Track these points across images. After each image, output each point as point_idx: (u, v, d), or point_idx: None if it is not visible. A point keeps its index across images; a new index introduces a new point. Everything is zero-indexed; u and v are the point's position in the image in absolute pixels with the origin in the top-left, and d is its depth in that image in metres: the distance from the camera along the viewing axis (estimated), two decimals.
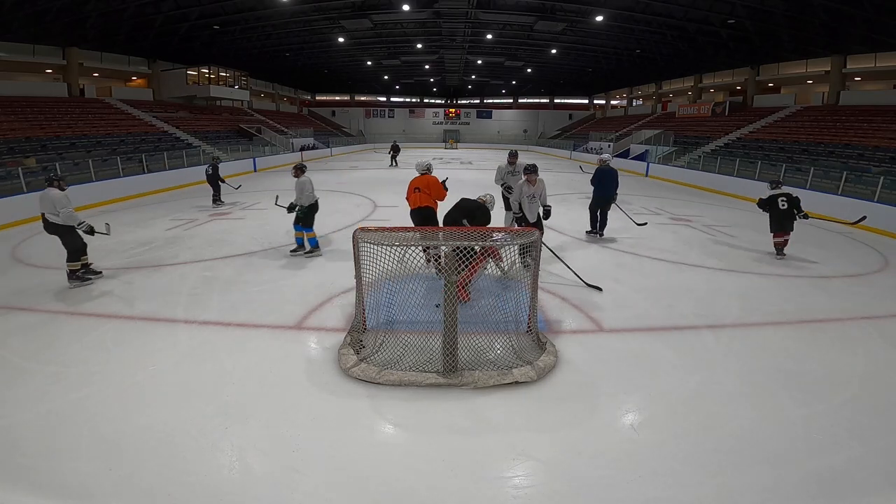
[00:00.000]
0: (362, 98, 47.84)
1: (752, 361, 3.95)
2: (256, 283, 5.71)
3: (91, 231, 5.69)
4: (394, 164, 23.25)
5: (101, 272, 5.91)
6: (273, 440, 2.89)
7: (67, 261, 5.57)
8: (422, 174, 6.32)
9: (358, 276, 3.90)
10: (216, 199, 11.61)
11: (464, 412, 3.20)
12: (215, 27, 22.18)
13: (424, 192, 6.15)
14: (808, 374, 3.77)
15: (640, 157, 23.01)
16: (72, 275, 5.59)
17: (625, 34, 23.90)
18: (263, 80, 35.77)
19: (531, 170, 6.22)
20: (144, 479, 2.56)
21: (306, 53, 30.07)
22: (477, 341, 3.87)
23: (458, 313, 3.51)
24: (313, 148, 29.65)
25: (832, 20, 17.01)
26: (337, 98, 47.46)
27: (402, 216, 9.98)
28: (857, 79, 20.89)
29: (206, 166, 11.91)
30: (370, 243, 3.67)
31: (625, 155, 25.00)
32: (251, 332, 4.39)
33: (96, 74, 22.83)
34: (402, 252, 3.63)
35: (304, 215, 6.74)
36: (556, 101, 48.09)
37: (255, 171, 20.48)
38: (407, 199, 6.33)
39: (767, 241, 7.85)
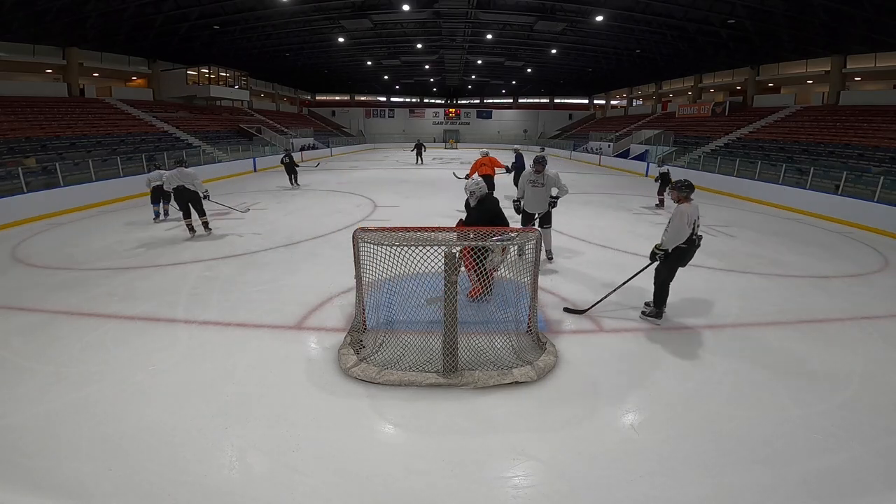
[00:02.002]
0: (362, 98, 47.83)
1: (752, 361, 3.95)
2: (256, 283, 5.71)
3: (208, 197, 8.25)
4: (419, 161, 23.76)
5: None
6: (273, 440, 2.89)
7: (200, 216, 8.11)
8: (484, 156, 10.46)
9: (358, 276, 3.90)
10: (294, 182, 14.67)
11: (464, 412, 3.20)
12: (215, 27, 22.17)
13: (488, 166, 10.21)
14: (807, 374, 3.77)
15: (640, 157, 23.01)
16: (206, 226, 8.24)
17: (625, 34, 23.89)
18: (263, 80, 35.76)
19: (540, 161, 6.25)
20: (144, 479, 2.56)
21: (306, 53, 30.05)
22: (477, 341, 3.87)
23: (457, 313, 3.51)
24: (313, 148, 29.65)
25: (832, 20, 17.00)
26: (337, 98, 47.45)
27: (402, 216, 10.00)
28: (857, 79, 20.87)
29: (281, 155, 15.38)
30: (370, 243, 3.66)
31: (625, 155, 25.01)
32: (251, 332, 4.39)
33: (96, 74, 22.82)
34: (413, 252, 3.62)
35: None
36: (556, 101, 48.08)
37: (255, 170, 20.46)
38: (474, 168, 10.23)
39: (768, 242, 7.87)
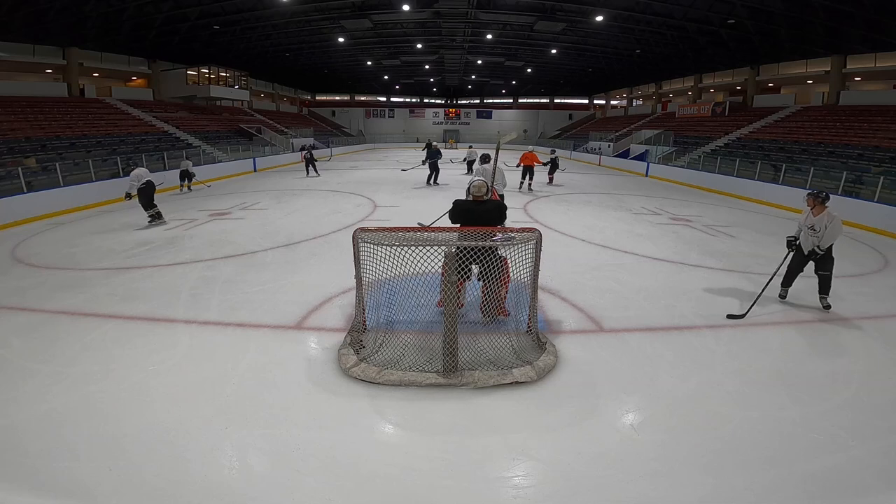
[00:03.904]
0: (362, 98, 47.81)
1: (752, 361, 3.95)
2: (256, 283, 5.71)
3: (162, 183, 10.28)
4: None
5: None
6: (273, 440, 2.89)
7: (153, 208, 9.19)
8: (530, 151, 13.92)
9: (358, 276, 3.90)
10: (314, 172, 18.01)
11: (464, 412, 3.21)
12: (215, 27, 22.17)
13: (529, 159, 13.49)
14: (808, 374, 3.77)
15: (640, 157, 23.00)
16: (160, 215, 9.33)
17: (625, 34, 23.89)
18: (263, 80, 35.74)
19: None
20: (144, 479, 2.56)
21: (306, 53, 30.05)
22: (477, 341, 3.87)
23: (458, 313, 3.51)
24: (313, 148, 29.59)
25: (832, 20, 17.00)
26: (337, 98, 47.43)
27: (402, 216, 10.00)
28: (857, 79, 20.87)
29: (303, 152, 19.21)
30: (370, 243, 3.66)
31: (625, 155, 24.99)
32: (251, 332, 4.39)
33: (96, 74, 22.82)
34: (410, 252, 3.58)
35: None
36: (556, 101, 48.06)
37: (256, 171, 20.46)
38: (521, 159, 13.58)
39: (768, 241, 7.86)
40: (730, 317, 4.85)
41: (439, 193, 13.42)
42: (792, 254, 5.20)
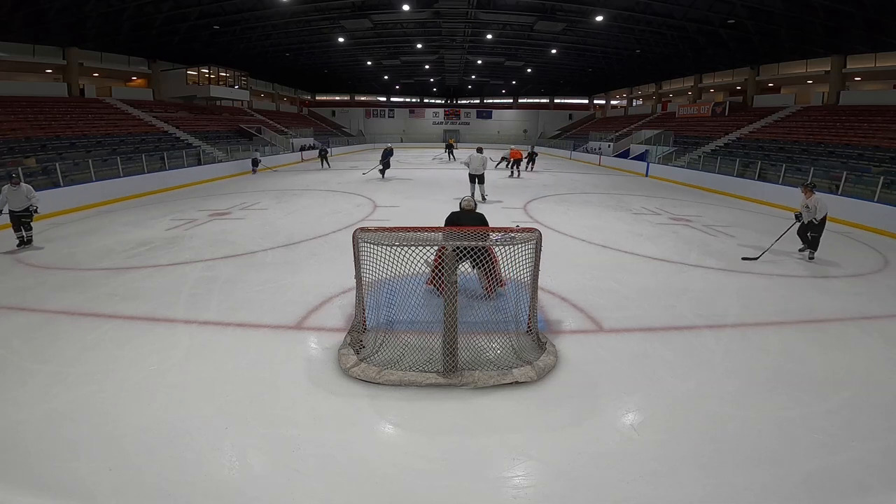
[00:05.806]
0: (362, 98, 47.79)
1: (752, 361, 3.95)
2: (256, 283, 5.71)
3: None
4: (452, 158, 26.22)
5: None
6: (273, 440, 2.89)
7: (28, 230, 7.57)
8: (515, 149, 19.88)
9: (358, 276, 3.90)
10: (327, 165, 22.21)
11: (464, 412, 3.21)
12: (215, 27, 22.16)
13: (516, 154, 19.24)
14: (808, 374, 3.77)
15: (640, 157, 22.98)
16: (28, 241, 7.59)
17: (625, 34, 23.88)
18: (263, 80, 35.71)
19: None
20: (144, 479, 2.56)
21: (306, 53, 30.05)
22: (477, 341, 3.87)
23: (458, 313, 3.51)
24: (313, 148, 29.61)
25: (832, 20, 17.00)
26: (337, 98, 47.41)
27: (401, 216, 10.01)
28: (857, 79, 20.86)
29: (320, 151, 23.46)
30: (370, 243, 3.67)
31: (625, 155, 24.98)
32: (251, 332, 4.39)
33: (96, 74, 22.80)
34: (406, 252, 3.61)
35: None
36: (556, 101, 48.03)
37: (255, 171, 20.44)
38: (511, 155, 19.27)
39: (768, 242, 7.85)
40: (745, 259, 6.92)
41: (441, 193, 13.43)
42: (798, 223, 7.25)
